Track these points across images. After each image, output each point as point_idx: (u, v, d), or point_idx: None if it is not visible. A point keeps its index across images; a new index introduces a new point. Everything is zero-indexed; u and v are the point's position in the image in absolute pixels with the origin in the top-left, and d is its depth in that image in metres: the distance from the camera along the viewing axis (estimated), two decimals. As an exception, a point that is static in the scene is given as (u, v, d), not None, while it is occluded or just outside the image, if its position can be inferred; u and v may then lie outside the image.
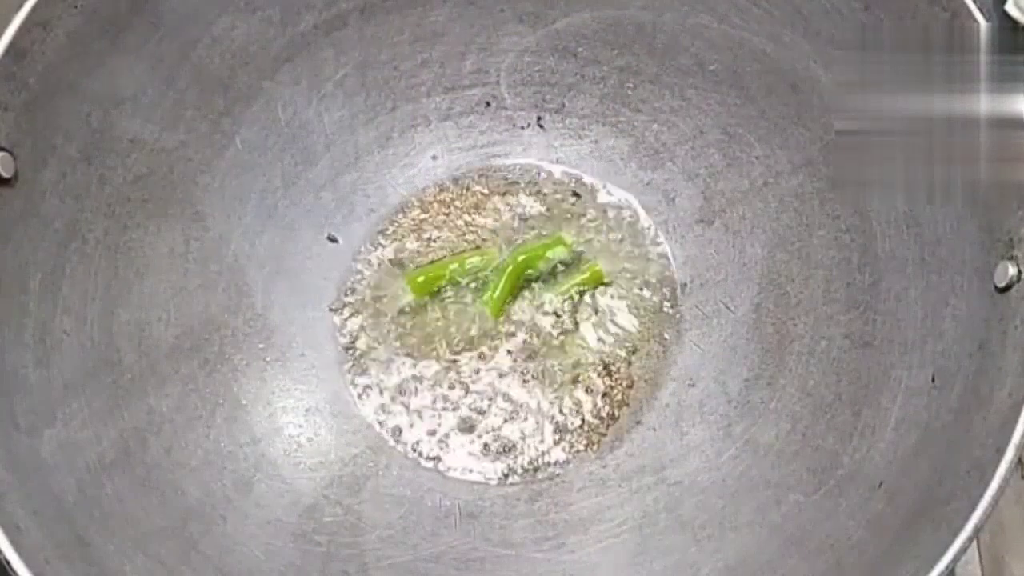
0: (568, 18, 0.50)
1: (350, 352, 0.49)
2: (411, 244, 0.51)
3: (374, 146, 0.51)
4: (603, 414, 0.48)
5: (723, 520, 0.43)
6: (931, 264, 0.41)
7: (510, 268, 0.49)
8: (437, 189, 0.52)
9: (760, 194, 0.49)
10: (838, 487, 0.41)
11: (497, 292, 0.49)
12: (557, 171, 0.52)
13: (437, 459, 0.47)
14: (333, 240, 0.51)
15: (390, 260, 0.51)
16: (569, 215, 0.52)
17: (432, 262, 0.51)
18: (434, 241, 0.51)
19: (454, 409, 0.48)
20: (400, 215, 0.52)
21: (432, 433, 0.48)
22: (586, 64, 0.51)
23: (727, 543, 0.43)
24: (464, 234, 0.51)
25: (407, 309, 0.50)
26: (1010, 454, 0.33)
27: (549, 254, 0.50)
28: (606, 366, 0.49)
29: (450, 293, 0.50)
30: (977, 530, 0.32)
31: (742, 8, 0.46)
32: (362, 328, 0.50)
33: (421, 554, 0.45)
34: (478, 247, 0.51)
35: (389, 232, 0.51)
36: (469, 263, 0.50)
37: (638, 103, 0.51)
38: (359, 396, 0.49)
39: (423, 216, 0.52)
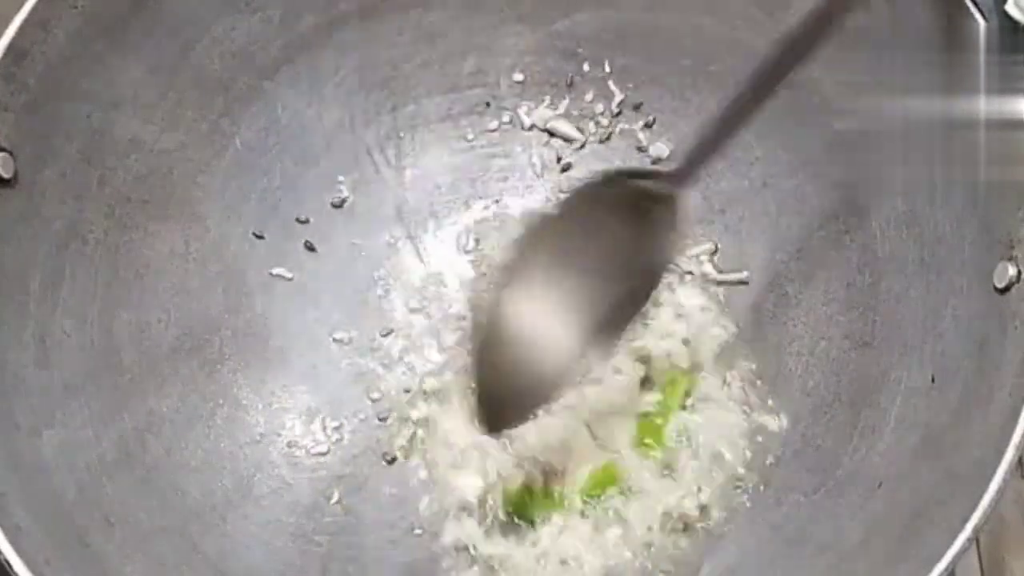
0: (568, 18, 0.50)
1: (350, 352, 0.49)
2: (411, 244, 0.51)
3: (374, 146, 0.51)
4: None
5: (723, 519, 0.43)
6: (931, 264, 0.41)
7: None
8: (437, 189, 0.52)
9: (760, 194, 0.49)
10: (838, 487, 0.41)
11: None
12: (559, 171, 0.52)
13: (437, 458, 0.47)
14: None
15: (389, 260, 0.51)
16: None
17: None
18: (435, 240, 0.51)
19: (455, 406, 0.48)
20: (400, 215, 0.52)
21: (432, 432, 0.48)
22: (586, 64, 0.51)
23: (727, 543, 0.43)
24: (464, 232, 0.52)
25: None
26: (1010, 454, 0.33)
27: None
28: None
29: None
30: (977, 531, 0.32)
31: (742, 9, 0.46)
32: (362, 328, 0.50)
33: (421, 554, 0.45)
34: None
35: (389, 232, 0.51)
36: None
37: (638, 103, 0.51)
38: (359, 395, 0.49)
39: (423, 216, 0.52)
